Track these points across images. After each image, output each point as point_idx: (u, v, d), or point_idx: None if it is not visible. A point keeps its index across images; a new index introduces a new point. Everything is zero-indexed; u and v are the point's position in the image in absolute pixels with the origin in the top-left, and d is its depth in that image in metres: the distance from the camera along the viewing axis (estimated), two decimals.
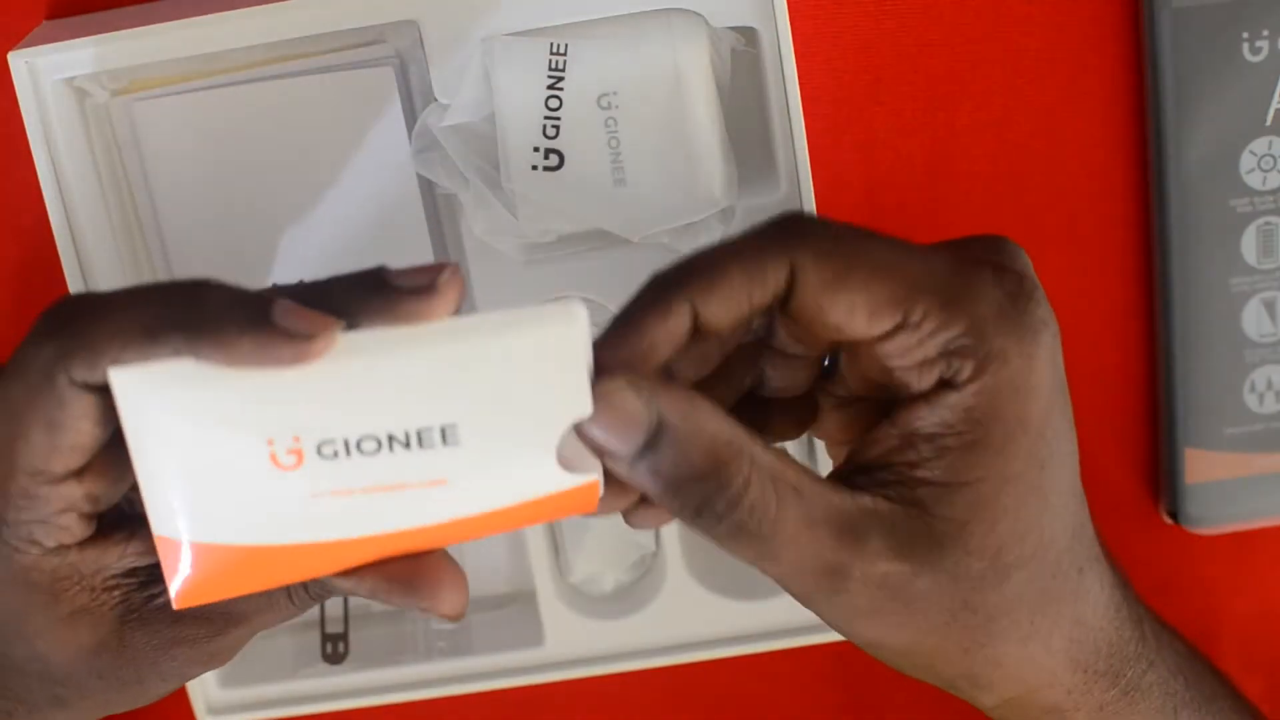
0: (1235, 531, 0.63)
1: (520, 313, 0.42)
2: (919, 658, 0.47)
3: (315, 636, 0.65)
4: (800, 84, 0.54)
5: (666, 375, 0.46)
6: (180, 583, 0.44)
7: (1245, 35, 0.56)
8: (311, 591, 0.48)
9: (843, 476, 0.46)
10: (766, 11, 0.54)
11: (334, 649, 0.64)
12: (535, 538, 0.61)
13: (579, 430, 0.43)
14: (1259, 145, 0.58)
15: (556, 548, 0.63)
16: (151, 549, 0.46)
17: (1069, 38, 0.58)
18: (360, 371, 0.42)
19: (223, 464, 0.42)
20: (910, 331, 0.44)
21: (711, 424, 0.43)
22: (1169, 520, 0.63)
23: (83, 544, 0.46)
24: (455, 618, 0.47)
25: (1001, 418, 0.44)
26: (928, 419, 0.45)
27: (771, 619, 0.63)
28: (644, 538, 0.63)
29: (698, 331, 0.45)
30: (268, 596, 0.48)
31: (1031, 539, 0.46)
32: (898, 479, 0.45)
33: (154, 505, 0.43)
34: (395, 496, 0.44)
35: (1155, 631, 0.50)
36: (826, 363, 0.49)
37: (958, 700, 0.54)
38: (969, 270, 0.45)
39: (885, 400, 0.46)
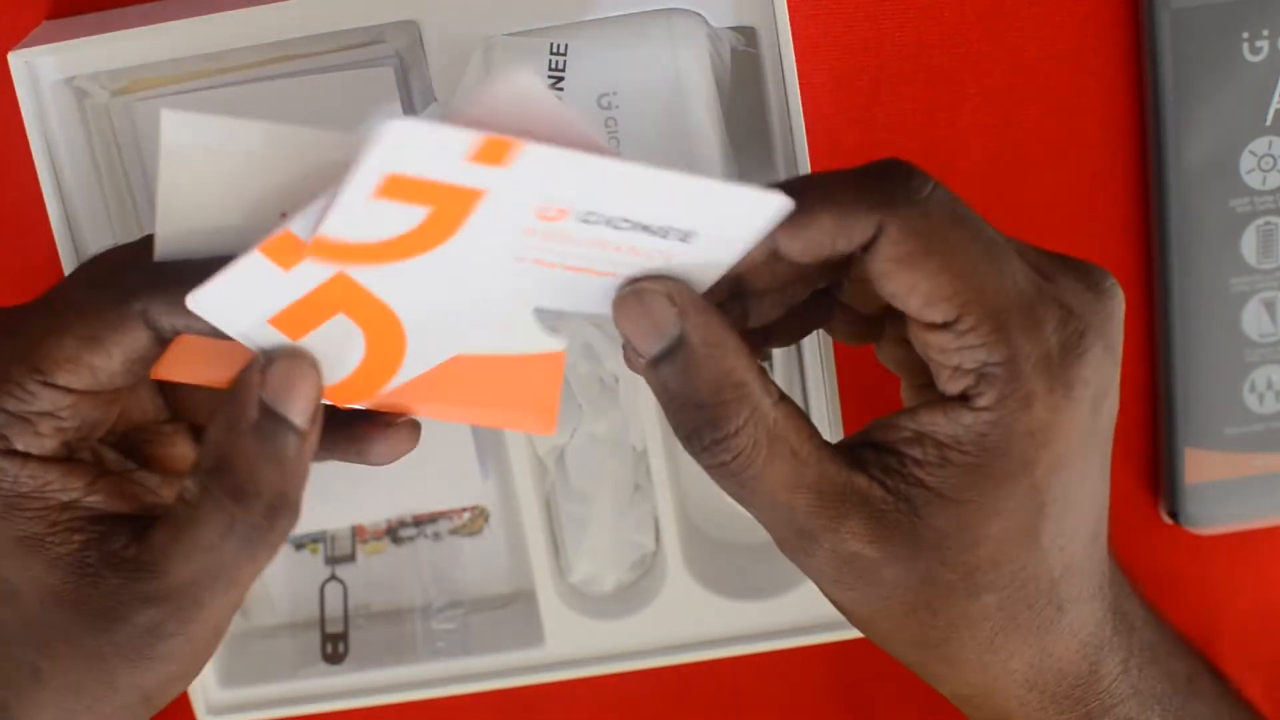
0: (1235, 531, 0.63)
1: None
2: (877, 633, 0.48)
3: (315, 636, 0.65)
4: (800, 84, 0.54)
5: (729, 293, 0.47)
6: None
7: (1245, 35, 0.56)
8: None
9: (854, 445, 0.46)
10: (766, 11, 0.54)
11: (334, 649, 0.64)
12: (535, 538, 0.61)
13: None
14: (1259, 145, 0.58)
15: (556, 548, 0.63)
16: (116, 497, 0.46)
17: (1069, 38, 0.58)
18: None
19: None
20: (954, 336, 0.44)
21: (729, 361, 0.44)
22: (1169, 520, 0.63)
23: (46, 460, 0.45)
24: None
25: (1008, 454, 0.45)
26: (943, 427, 0.45)
27: (771, 619, 0.63)
28: (644, 537, 0.63)
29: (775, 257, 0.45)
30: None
31: (1010, 570, 0.46)
32: (899, 469, 0.46)
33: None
34: None
35: (1146, 663, 0.50)
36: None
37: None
38: (1039, 304, 0.45)
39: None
